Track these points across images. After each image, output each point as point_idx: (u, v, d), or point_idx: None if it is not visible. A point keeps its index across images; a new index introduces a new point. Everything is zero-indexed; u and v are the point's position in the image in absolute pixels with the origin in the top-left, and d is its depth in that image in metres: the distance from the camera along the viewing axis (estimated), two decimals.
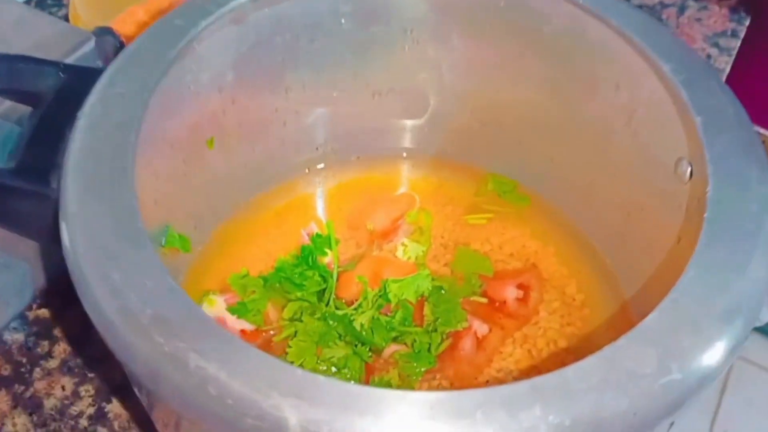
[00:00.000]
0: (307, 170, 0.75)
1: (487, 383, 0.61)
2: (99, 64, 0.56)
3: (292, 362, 0.58)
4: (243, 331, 0.61)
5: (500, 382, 0.61)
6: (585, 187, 0.68)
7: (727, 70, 0.94)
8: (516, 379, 0.61)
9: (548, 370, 0.61)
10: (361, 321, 0.60)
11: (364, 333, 0.60)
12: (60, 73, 0.48)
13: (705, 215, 0.43)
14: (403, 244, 0.69)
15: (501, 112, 0.70)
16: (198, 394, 0.32)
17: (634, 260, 0.64)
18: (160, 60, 0.49)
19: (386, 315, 0.62)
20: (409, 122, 0.75)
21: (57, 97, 0.47)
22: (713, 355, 0.34)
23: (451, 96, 0.72)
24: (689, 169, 0.52)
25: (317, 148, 0.74)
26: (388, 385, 0.59)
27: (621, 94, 0.58)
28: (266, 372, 0.32)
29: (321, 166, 0.75)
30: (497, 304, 0.65)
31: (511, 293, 0.66)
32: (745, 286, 0.38)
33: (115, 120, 0.43)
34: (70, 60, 0.56)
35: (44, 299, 0.69)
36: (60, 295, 0.69)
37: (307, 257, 0.65)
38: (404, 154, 0.77)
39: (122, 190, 0.40)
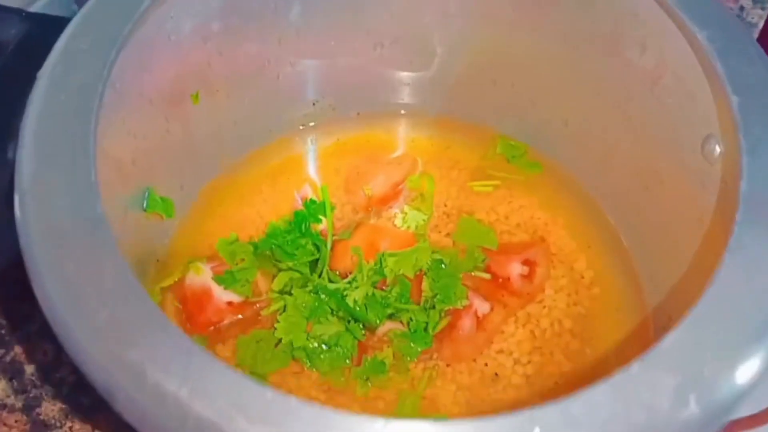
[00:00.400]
0: (301, 126, 0.70)
1: (485, 366, 0.58)
2: (75, 9, 0.50)
3: (279, 339, 0.55)
4: (230, 303, 0.57)
5: (499, 364, 0.58)
6: (602, 154, 0.63)
7: (761, 24, 0.87)
8: (516, 361, 0.58)
9: (550, 352, 0.59)
10: (354, 297, 0.56)
11: (357, 309, 0.56)
12: (21, 21, 0.42)
13: (737, 212, 0.38)
14: (402, 212, 0.65)
15: (514, 68, 0.64)
16: (156, 411, 0.28)
17: (650, 238, 0.60)
18: (133, 8, 0.44)
19: (382, 290, 0.58)
20: (413, 75, 0.69)
21: (17, 49, 0.41)
22: (739, 382, 0.30)
23: (459, 48, 0.66)
24: (718, 149, 0.47)
25: (313, 103, 0.68)
26: (382, 364, 0.56)
27: (647, 56, 0.52)
28: (233, 392, 0.28)
29: (316, 122, 0.70)
30: (500, 280, 0.61)
31: (515, 269, 0.61)
32: None
33: (77, 82, 0.38)
34: (37, 5, 0.50)
35: None
36: None
37: (300, 224, 0.61)
38: (407, 111, 0.71)
39: (82, 166, 0.35)
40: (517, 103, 0.67)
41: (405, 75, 0.68)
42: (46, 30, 0.42)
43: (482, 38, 0.64)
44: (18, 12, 0.43)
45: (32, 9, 0.46)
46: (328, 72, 0.66)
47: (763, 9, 0.88)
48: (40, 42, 0.42)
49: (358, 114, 0.71)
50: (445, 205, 0.67)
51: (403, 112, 0.71)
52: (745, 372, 0.30)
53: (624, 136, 0.58)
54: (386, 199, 0.66)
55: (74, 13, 0.45)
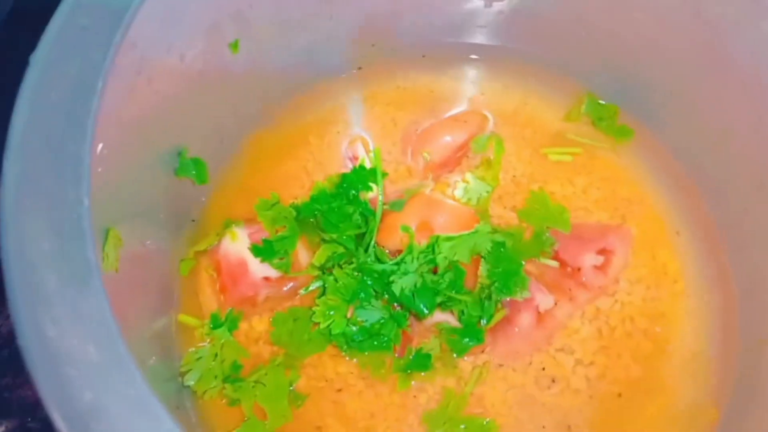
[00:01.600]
0: (357, 69, 0.61)
1: (542, 365, 0.52)
2: None
3: (317, 322, 0.51)
4: (266, 279, 0.53)
5: (558, 364, 0.52)
6: (712, 134, 0.53)
7: None
8: (578, 362, 0.52)
9: (618, 354, 0.53)
10: (401, 285, 0.50)
11: (403, 297, 0.50)
12: None
13: None
14: (464, 181, 0.57)
15: (617, 22, 0.53)
16: None
17: (753, 244, 0.51)
18: None
19: (433, 275, 0.52)
20: (488, 11, 0.58)
21: (8, 22, 0.34)
22: None
23: None
24: None
25: (373, 45, 0.59)
26: (427, 358, 0.51)
27: None
28: None
29: (374, 65, 0.61)
30: (570, 270, 0.54)
31: (588, 260, 0.54)
32: None
33: (72, 74, 0.32)
34: None
35: None
36: None
37: (347, 190, 0.54)
38: (480, 56, 0.61)
39: (72, 192, 0.29)
40: (613, 57, 0.56)
41: (479, 10, 0.58)
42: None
43: None
44: None
45: None
46: (390, 8, 0.56)
47: None
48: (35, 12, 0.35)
49: (423, 56, 0.62)
50: (515, 171, 0.59)
51: (474, 56, 0.62)
52: None
53: (747, 122, 0.48)
54: (447, 164, 0.58)
55: None
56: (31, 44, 0.32)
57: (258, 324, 0.54)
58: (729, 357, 0.52)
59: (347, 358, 0.52)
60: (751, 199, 0.50)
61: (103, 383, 0.26)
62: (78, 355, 0.26)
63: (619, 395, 0.51)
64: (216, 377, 0.51)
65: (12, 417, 0.55)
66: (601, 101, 0.59)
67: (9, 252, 0.28)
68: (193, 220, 0.55)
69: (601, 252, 0.54)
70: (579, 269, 0.54)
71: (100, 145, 0.36)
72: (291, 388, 0.51)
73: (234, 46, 0.50)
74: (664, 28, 0.50)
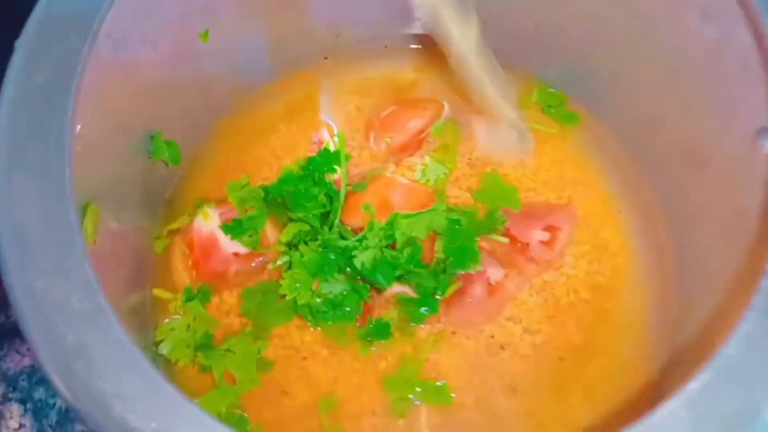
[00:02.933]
0: (323, 59, 0.65)
1: (493, 338, 0.56)
2: None
3: (284, 294, 0.55)
4: (236, 254, 0.56)
5: (508, 332, 0.56)
6: (648, 119, 0.57)
7: None
8: (525, 330, 0.57)
9: (562, 324, 0.58)
10: (362, 259, 0.54)
11: (365, 271, 0.54)
12: None
13: None
14: (423, 163, 0.61)
15: (562, 15, 0.57)
16: None
17: (685, 217, 0.56)
18: None
19: (392, 250, 0.56)
20: (448, 9, 0.62)
21: None
22: None
23: None
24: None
25: (336, 35, 0.63)
26: (387, 327, 0.55)
27: (710, 27, 0.46)
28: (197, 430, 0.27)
29: (339, 56, 0.64)
30: (519, 245, 0.58)
31: (536, 235, 0.58)
32: None
33: (54, 59, 0.35)
34: None
35: None
36: None
37: (313, 172, 0.58)
38: (440, 48, 0.65)
39: (55, 165, 0.33)
40: (559, 50, 0.60)
41: (435, 10, 0.61)
42: None
43: None
44: None
45: None
46: (353, 3, 0.60)
47: None
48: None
49: (386, 47, 0.65)
50: (470, 155, 0.63)
51: (434, 50, 0.65)
52: None
53: (676, 106, 0.53)
54: (407, 147, 0.62)
55: None
56: (17, 31, 0.35)
57: (228, 297, 0.57)
58: (665, 322, 0.56)
59: (312, 328, 0.56)
60: (682, 177, 0.54)
61: (84, 328, 0.29)
62: (62, 304, 0.30)
63: (561, 359, 0.55)
64: (188, 346, 0.54)
65: None
66: (550, 89, 0.64)
67: (1, 217, 0.31)
68: (167, 201, 0.59)
69: (548, 228, 0.59)
70: (528, 244, 0.58)
71: (78, 126, 0.39)
72: (259, 355, 0.54)
73: (204, 35, 0.53)
74: (603, 22, 0.54)
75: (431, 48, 0.66)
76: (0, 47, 0.36)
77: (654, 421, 0.29)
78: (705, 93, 0.49)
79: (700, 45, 0.47)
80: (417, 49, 0.66)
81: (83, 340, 0.29)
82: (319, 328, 0.56)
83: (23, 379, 0.57)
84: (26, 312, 0.30)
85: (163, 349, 0.53)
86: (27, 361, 0.58)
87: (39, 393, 0.56)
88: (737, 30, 0.42)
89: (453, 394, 0.54)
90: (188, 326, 0.55)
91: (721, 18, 0.44)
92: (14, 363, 0.58)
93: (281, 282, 0.55)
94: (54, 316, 0.30)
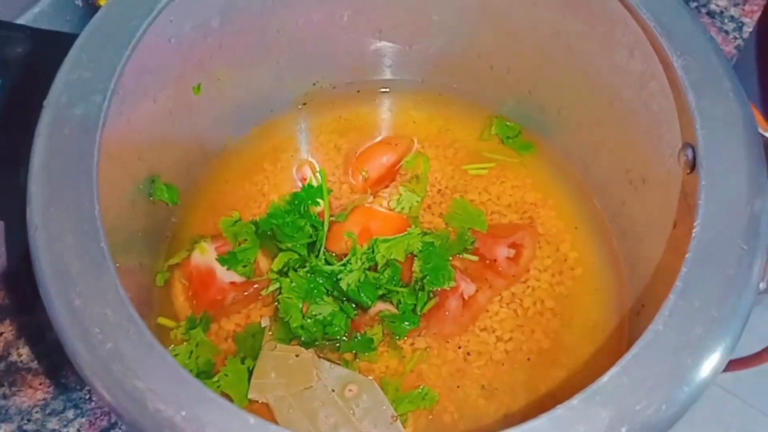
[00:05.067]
0: (303, 105, 0.72)
1: (468, 342, 0.62)
2: (68, 18, 0.52)
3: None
4: (233, 283, 0.62)
5: (482, 341, 0.62)
6: (592, 145, 0.65)
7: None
8: (498, 338, 0.63)
9: (531, 330, 0.64)
10: (348, 281, 0.60)
11: (350, 292, 0.60)
12: (26, 39, 0.45)
13: (694, 230, 0.41)
14: (398, 193, 0.67)
15: (510, 56, 0.65)
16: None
17: (630, 230, 0.63)
18: (133, 27, 0.46)
19: (374, 272, 0.62)
20: (412, 59, 0.70)
21: (24, 67, 0.44)
22: (667, 416, 0.34)
23: (456, 35, 0.66)
24: (693, 158, 0.49)
25: (314, 83, 0.70)
26: (370, 341, 0.61)
27: (635, 62, 0.53)
28: (221, 417, 0.33)
29: (318, 101, 0.72)
30: (488, 262, 0.65)
31: (502, 252, 0.65)
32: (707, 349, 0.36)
33: (79, 114, 0.41)
34: (30, 14, 0.52)
35: None
36: None
37: (298, 206, 0.64)
38: (407, 91, 0.73)
39: (86, 204, 0.38)
40: (513, 88, 0.68)
41: (405, 58, 0.69)
42: (50, 47, 0.44)
43: (478, 27, 0.65)
44: (23, 29, 0.45)
45: (23, 19, 0.48)
46: (328, 55, 0.68)
47: None
48: (46, 59, 0.44)
49: (358, 92, 0.73)
50: (440, 184, 0.70)
51: (402, 90, 0.73)
52: (672, 409, 0.34)
53: (613, 132, 0.60)
54: (382, 180, 0.69)
55: (70, 23, 0.46)
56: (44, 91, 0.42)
57: (226, 324, 0.62)
58: (620, 323, 0.63)
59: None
60: (625, 195, 0.62)
61: (119, 335, 0.35)
62: (99, 317, 0.35)
63: (529, 359, 0.61)
64: (191, 371, 0.59)
65: (9, 421, 0.62)
66: (507, 123, 0.71)
67: (40, 247, 0.37)
68: (167, 237, 0.64)
69: (513, 246, 0.65)
70: (495, 261, 0.65)
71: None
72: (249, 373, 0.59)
73: (197, 89, 0.60)
74: (546, 59, 0.62)
75: (400, 91, 0.74)
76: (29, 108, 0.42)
77: (600, 384, 0.35)
78: (637, 119, 0.56)
79: (629, 78, 0.55)
80: (389, 92, 0.73)
81: (118, 346, 0.35)
82: (311, 348, 0.61)
83: (37, 412, 0.61)
84: (67, 327, 0.35)
85: None
86: (40, 395, 0.62)
87: (52, 423, 0.61)
88: (655, 63, 0.50)
89: (437, 395, 0.59)
90: (191, 353, 0.60)
91: (643, 54, 0.51)
92: (28, 397, 0.62)
93: (277, 305, 0.61)
94: (92, 327, 0.35)
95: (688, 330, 0.36)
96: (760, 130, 0.45)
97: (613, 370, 0.35)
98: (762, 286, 0.40)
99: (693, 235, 0.40)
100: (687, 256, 0.39)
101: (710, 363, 0.36)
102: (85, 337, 0.35)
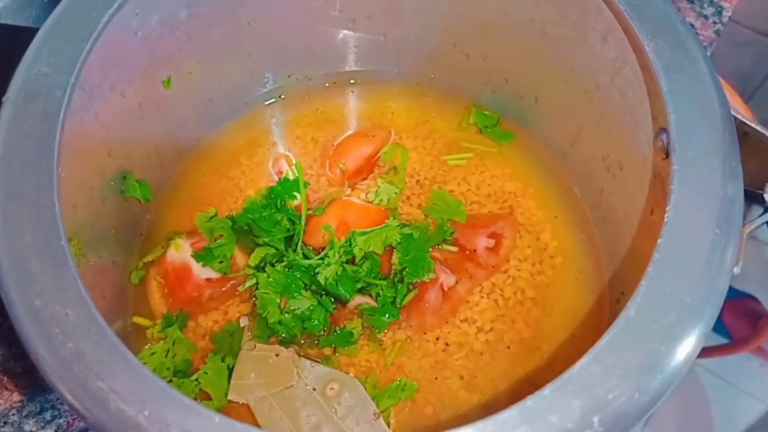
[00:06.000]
0: (279, 97, 0.71)
1: (449, 334, 0.62)
2: (33, 14, 0.51)
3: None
4: (209, 280, 0.61)
5: (463, 333, 0.62)
6: (570, 134, 0.64)
7: None
8: (479, 329, 0.62)
9: (512, 320, 0.63)
10: (325, 275, 0.59)
11: (328, 286, 0.60)
12: None
13: (666, 215, 0.41)
14: (376, 185, 0.67)
15: (485, 45, 0.64)
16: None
17: (609, 218, 0.62)
18: (95, 19, 0.45)
19: (353, 265, 0.61)
20: (386, 48, 0.69)
21: None
22: (639, 405, 0.34)
23: (431, 22, 0.66)
24: (667, 144, 0.48)
25: (288, 76, 0.69)
26: (350, 335, 0.60)
27: (609, 48, 0.53)
28: (184, 417, 0.32)
29: (293, 94, 0.71)
30: (467, 252, 0.64)
31: (482, 243, 0.64)
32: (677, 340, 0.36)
33: (39, 109, 0.40)
34: None
35: None
36: None
37: (275, 200, 0.63)
38: (383, 82, 0.72)
39: (46, 201, 0.37)
40: (490, 77, 0.67)
41: (380, 48, 0.69)
42: (14, 42, 0.43)
43: (452, 16, 0.64)
44: None
45: None
46: (302, 47, 0.67)
47: None
48: (11, 55, 0.43)
49: (335, 84, 0.72)
50: (419, 175, 0.69)
51: (379, 82, 0.72)
52: (645, 397, 0.34)
53: (590, 120, 0.60)
54: (360, 172, 0.68)
55: (35, 18, 0.45)
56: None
57: (204, 321, 0.62)
58: (601, 311, 0.62)
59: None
60: (603, 182, 0.61)
61: (80, 336, 0.34)
62: (60, 317, 0.34)
63: (509, 348, 0.61)
64: (168, 369, 0.58)
65: None
66: (485, 112, 0.70)
67: (1, 245, 0.36)
68: (142, 235, 0.63)
69: (492, 236, 0.65)
70: (475, 251, 0.64)
71: (59, 170, 0.44)
72: (229, 371, 0.58)
73: (167, 83, 0.59)
74: (521, 47, 0.61)
75: (377, 82, 0.73)
76: None
77: (571, 374, 0.34)
78: (612, 105, 0.56)
79: (604, 64, 0.54)
80: (365, 83, 0.72)
81: (80, 346, 0.34)
82: (291, 343, 0.60)
83: (14, 414, 0.60)
84: (28, 327, 0.34)
85: None
86: (16, 397, 0.61)
87: (29, 425, 0.60)
88: (628, 49, 0.49)
89: (416, 384, 0.58)
90: (168, 351, 0.59)
91: (616, 40, 0.51)
92: (4, 399, 0.61)
93: (254, 301, 0.60)
94: (53, 328, 0.34)
95: (661, 316, 0.36)
96: (734, 113, 0.44)
97: (585, 359, 0.34)
98: (736, 270, 0.40)
99: (665, 220, 0.40)
100: (659, 241, 0.38)
101: (683, 350, 0.36)
102: (46, 338, 0.34)
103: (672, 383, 0.35)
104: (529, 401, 0.33)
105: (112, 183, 0.57)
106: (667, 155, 0.48)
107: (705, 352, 0.38)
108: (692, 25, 0.78)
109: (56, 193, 0.38)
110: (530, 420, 0.33)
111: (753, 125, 0.45)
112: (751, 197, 0.46)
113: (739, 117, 0.44)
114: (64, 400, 0.33)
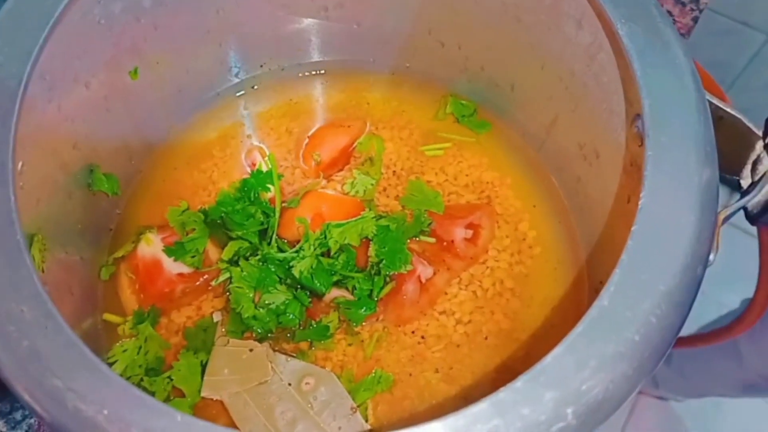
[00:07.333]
0: (252, 88, 0.69)
1: (427, 326, 0.61)
2: None
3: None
4: (180, 275, 0.60)
5: (441, 325, 0.61)
6: (546, 122, 0.63)
7: None
8: (458, 321, 0.61)
9: (491, 311, 0.63)
10: (300, 268, 0.58)
11: (303, 279, 0.58)
12: None
13: (640, 202, 0.40)
14: (351, 177, 0.66)
15: (459, 32, 0.63)
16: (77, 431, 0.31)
17: (587, 206, 0.62)
18: (49, 6, 0.43)
19: (328, 257, 0.60)
20: (359, 37, 0.68)
21: None
22: (613, 396, 0.33)
23: (404, 10, 0.64)
24: (643, 131, 0.48)
25: (261, 65, 0.68)
26: (326, 329, 0.59)
27: (583, 33, 0.52)
28: (145, 415, 0.31)
29: (266, 84, 0.69)
30: (445, 243, 0.63)
31: (459, 233, 0.63)
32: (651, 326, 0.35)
33: None
34: None
35: None
36: None
37: (248, 192, 0.62)
38: (358, 71, 0.71)
39: (1, 191, 0.36)
40: (465, 65, 0.66)
41: (354, 37, 0.67)
42: None
43: (425, 3, 0.63)
44: None
45: None
46: (273, 36, 0.65)
47: None
48: None
49: (309, 74, 0.71)
50: (395, 166, 0.68)
51: (354, 72, 0.71)
52: (620, 387, 0.33)
53: (566, 108, 0.59)
54: (336, 163, 0.67)
55: None
56: None
57: (177, 317, 0.60)
58: (580, 300, 0.62)
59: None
60: (580, 170, 0.60)
61: (36, 333, 0.33)
62: (15, 314, 0.33)
63: (486, 339, 0.60)
64: (140, 366, 0.57)
65: None
66: (461, 101, 0.69)
67: None
68: (111, 230, 0.62)
69: (470, 227, 0.64)
70: (453, 242, 0.63)
71: (20, 163, 0.43)
72: (203, 366, 0.57)
73: (134, 73, 0.57)
74: (495, 34, 0.60)
75: (351, 71, 0.72)
76: None
77: (544, 365, 0.33)
78: (587, 92, 0.55)
79: (578, 50, 0.53)
80: (339, 73, 0.71)
81: (36, 344, 0.32)
82: (266, 339, 0.59)
83: None
84: None
85: (116, 369, 0.56)
86: None
87: None
88: (603, 34, 0.48)
89: (391, 375, 0.58)
90: (140, 348, 0.58)
91: (590, 25, 0.50)
92: None
93: (227, 295, 0.59)
94: (8, 326, 0.33)
95: (635, 305, 0.35)
96: (709, 97, 0.44)
97: (557, 350, 0.34)
98: (711, 257, 0.39)
99: (639, 206, 0.39)
100: (633, 228, 0.37)
101: (659, 339, 0.35)
102: (1, 336, 0.33)
103: (647, 374, 0.34)
104: (501, 394, 0.32)
105: (78, 177, 0.55)
106: (643, 142, 0.48)
107: (680, 341, 0.37)
108: (670, 12, 0.78)
109: (11, 186, 0.36)
110: (502, 413, 0.32)
111: (728, 110, 0.44)
112: (726, 183, 0.46)
113: (714, 101, 0.44)
114: (21, 399, 0.32)
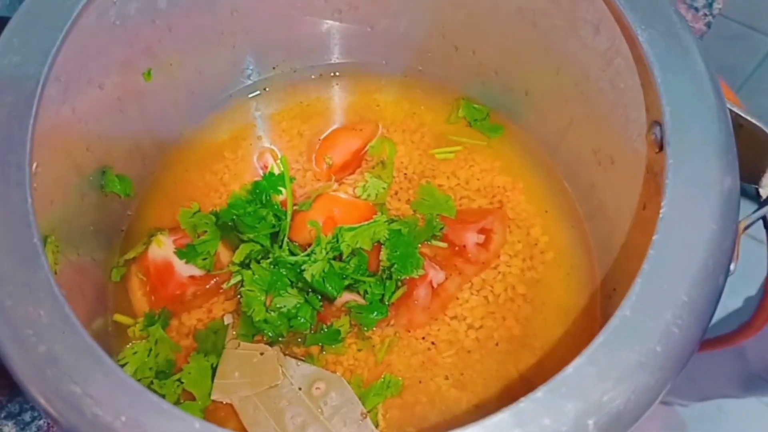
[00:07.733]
0: (264, 90, 0.69)
1: (439, 331, 0.61)
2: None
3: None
4: (192, 277, 0.59)
5: (452, 330, 0.61)
6: (560, 127, 0.63)
7: None
8: (469, 326, 0.61)
9: (503, 317, 0.62)
10: (312, 272, 0.58)
11: (315, 283, 0.58)
12: None
13: (661, 211, 0.40)
14: (363, 180, 0.65)
15: (474, 37, 0.63)
16: None
17: (600, 213, 0.61)
18: (67, 7, 0.43)
19: (340, 261, 0.60)
20: (372, 40, 0.68)
21: None
22: (634, 408, 0.33)
23: (419, 13, 0.64)
24: (661, 137, 0.47)
25: (273, 68, 0.68)
26: (337, 333, 0.59)
27: (600, 38, 0.52)
28: (163, 422, 0.30)
29: (278, 86, 0.69)
30: (457, 248, 0.63)
31: (471, 238, 0.63)
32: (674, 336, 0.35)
33: (9, 102, 0.38)
34: None
35: None
36: None
37: (260, 195, 0.62)
38: (369, 73, 0.71)
39: (17, 197, 0.36)
40: (479, 69, 0.66)
41: (367, 40, 0.67)
42: None
43: (440, 7, 0.63)
44: None
45: None
46: (286, 37, 0.65)
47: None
48: None
49: (321, 76, 0.70)
50: (407, 169, 0.68)
51: (366, 74, 0.71)
52: (642, 398, 0.33)
53: (581, 113, 0.58)
54: (347, 166, 0.67)
55: (8, 7, 0.43)
56: None
57: (187, 320, 0.60)
58: (592, 307, 0.61)
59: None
60: (594, 176, 0.60)
61: (53, 338, 0.32)
62: (32, 318, 0.33)
63: (497, 345, 0.60)
64: (150, 368, 0.57)
65: None
66: (474, 105, 0.69)
67: None
68: (123, 232, 0.62)
69: (482, 231, 0.64)
70: (465, 247, 0.63)
71: (35, 165, 0.43)
72: (213, 369, 0.56)
73: (147, 74, 0.57)
74: (511, 39, 0.60)
75: (364, 74, 0.71)
76: None
77: (565, 375, 0.33)
78: (604, 98, 0.55)
79: (595, 55, 0.53)
80: (352, 76, 0.70)
81: (53, 348, 0.32)
82: (277, 343, 0.59)
83: None
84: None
85: (126, 371, 0.55)
86: None
87: (8, 427, 0.58)
88: (621, 39, 0.48)
89: (400, 379, 0.57)
90: (150, 350, 0.57)
91: (608, 30, 0.50)
92: None
93: (239, 298, 0.58)
94: (25, 329, 0.33)
95: (657, 315, 0.35)
96: (729, 105, 0.43)
97: (579, 360, 0.33)
98: (733, 267, 0.39)
99: (660, 215, 0.39)
100: (654, 237, 0.37)
101: (681, 349, 0.35)
102: (17, 340, 0.32)
103: (669, 383, 0.34)
104: (522, 404, 0.32)
105: (92, 178, 0.55)
106: (661, 148, 0.47)
107: (704, 345, 0.37)
108: None
109: (28, 188, 0.36)
110: (523, 423, 0.32)
111: (748, 117, 0.44)
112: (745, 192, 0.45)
113: (734, 109, 0.43)
114: (37, 404, 0.32)
